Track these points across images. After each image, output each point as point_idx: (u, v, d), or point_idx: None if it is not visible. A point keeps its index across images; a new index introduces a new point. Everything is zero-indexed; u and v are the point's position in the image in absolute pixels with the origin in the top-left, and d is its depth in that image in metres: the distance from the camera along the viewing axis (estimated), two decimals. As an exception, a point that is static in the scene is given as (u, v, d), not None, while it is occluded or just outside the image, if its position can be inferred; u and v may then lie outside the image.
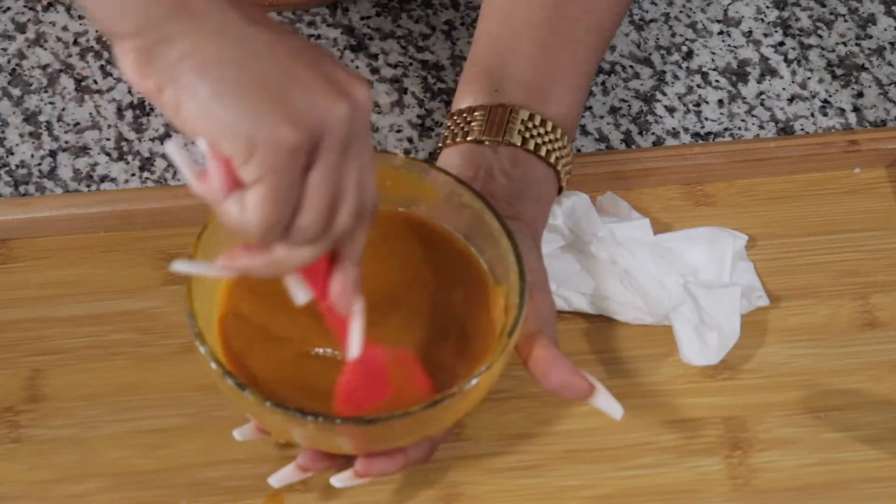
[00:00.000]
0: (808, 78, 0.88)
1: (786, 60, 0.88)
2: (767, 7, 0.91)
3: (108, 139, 0.83)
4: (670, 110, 0.86)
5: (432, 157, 0.81)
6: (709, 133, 0.85)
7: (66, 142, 0.83)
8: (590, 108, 0.86)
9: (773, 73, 0.88)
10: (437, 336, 0.67)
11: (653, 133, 0.85)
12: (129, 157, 0.82)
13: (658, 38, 0.89)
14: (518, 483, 0.72)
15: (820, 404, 0.75)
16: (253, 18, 0.53)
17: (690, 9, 0.91)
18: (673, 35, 0.89)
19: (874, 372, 0.77)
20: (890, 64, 0.89)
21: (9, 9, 0.89)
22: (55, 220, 0.79)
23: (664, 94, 0.87)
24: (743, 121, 0.86)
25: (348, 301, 0.59)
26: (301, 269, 0.58)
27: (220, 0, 0.52)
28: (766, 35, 0.90)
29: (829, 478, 0.73)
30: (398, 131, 0.84)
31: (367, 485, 0.67)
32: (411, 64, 0.87)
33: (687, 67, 0.88)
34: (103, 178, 0.81)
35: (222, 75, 0.51)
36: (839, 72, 0.88)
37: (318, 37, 0.88)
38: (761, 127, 0.85)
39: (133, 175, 0.82)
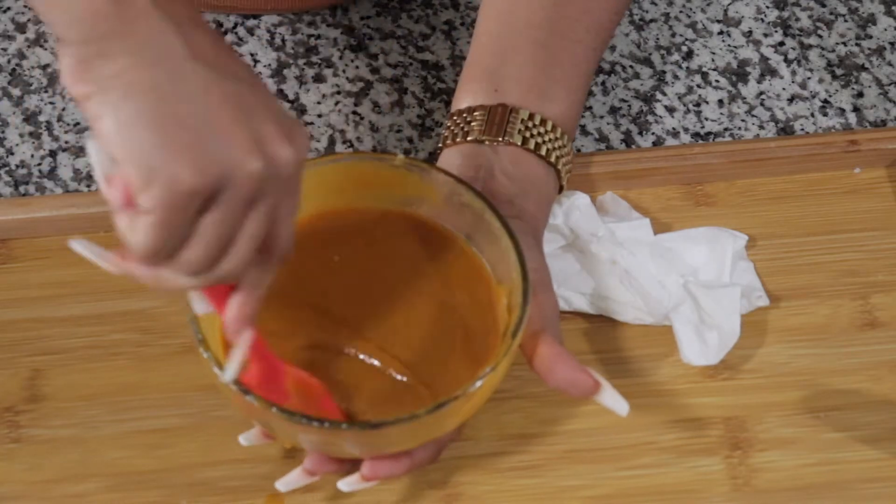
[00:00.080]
0: (808, 78, 0.88)
1: (786, 60, 0.88)
2: (767, 7, 0.91)
3: (108, 139, 0.83)
4: (670, 110, 0.86)
5: (432, 157, 0.81)
6: (709, 133, 0.85)
7: (66, 142, 0.83)
8: (590, 108, 0.86)
9: (773, 73, 0.88)
10: (439, 336, 0.67)
11: (653, 133, 0.85)
12: (129, 157, 0.82)
13: (658, 38, 0.89)
14: (518, 483, 0.72)
15: (820, 404, 0.75)
16: (198, 53, 0.53)
17: (690, 9, 0.91)
18: (673, 35, 0.89)
19: (874, 372, 0.76)
20: (890, 64, 0.89)
21: (9, 9, 0.89)
22: (55, 220, 0.79)
23: (664, 94, 0.87)
24: (743, 121, 0.86)
25: (237, 327, 0.60)
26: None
27: (168, 28, 0.53)
28: (766, 35, 0.90)
29: (829, 478, 0.73)
30: (398, 131, 0.84)
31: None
32: (411, 64, 0.87)
33: (687, 67, 0.88)
34: (103, 178, 0.81)
35: (145, 104, 0.52)
36: (839, 72, 0.88)
37: (318, 37, 0.88)
38: (761, 127, 0.85)
39: (133, 175, 0.81)
